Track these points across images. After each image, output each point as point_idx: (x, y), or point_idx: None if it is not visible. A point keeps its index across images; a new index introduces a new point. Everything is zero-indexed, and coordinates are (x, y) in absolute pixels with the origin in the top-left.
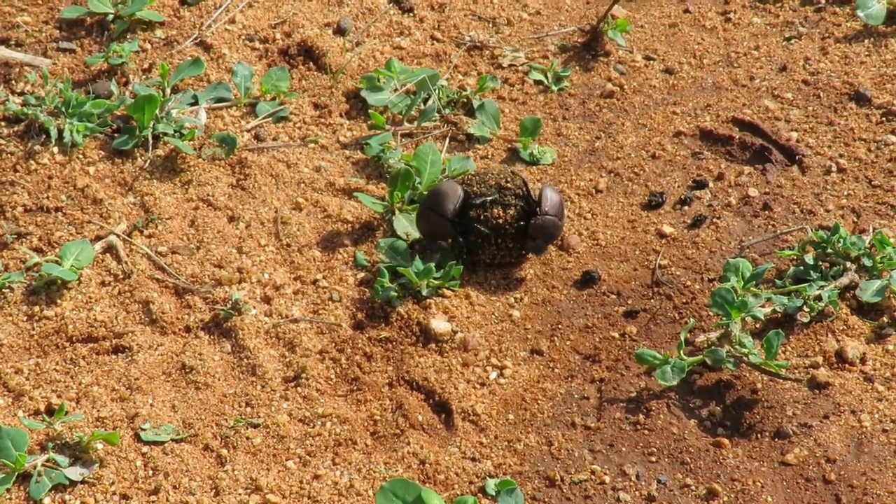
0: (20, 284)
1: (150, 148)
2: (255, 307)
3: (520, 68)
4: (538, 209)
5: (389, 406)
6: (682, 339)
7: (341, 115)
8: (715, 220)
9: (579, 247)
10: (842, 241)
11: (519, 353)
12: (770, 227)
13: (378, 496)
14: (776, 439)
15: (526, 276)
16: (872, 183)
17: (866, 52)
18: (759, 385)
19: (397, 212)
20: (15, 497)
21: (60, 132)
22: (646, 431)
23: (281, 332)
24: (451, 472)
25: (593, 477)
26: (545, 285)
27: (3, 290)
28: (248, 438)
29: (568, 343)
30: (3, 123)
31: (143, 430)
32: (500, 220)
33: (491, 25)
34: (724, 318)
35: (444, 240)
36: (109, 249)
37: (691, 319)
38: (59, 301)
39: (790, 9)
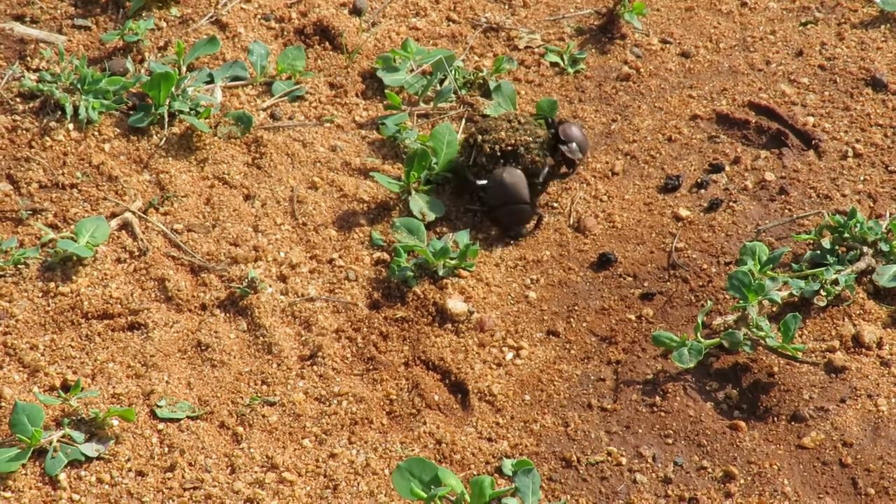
0: (36, 260)
1: (166, 125)
2: (270, 286)
3: (536, 50)
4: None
5: (405, 386)
6: (700, 321)
7: (357, 95)
8: (731, 203)
9: (595, 229)
10: (858, 225)
11: (535, 334)
12: (786, 211)
13: (394, 475)
14: (793, 423)
15: (542, 257)
16: (889, 168)
17: (882, 38)
18: (775, 368)
19: (413, 192)
20: (31, 472)
21: (76, 109)
22: (662, 413)
23: (297, 310)
24: (468, 451)
25: (609, 458)
26: (561, 267)
27: (19, 266)
28: (263, 416)
29: (584, 325)
30: (18, 100)
31: (158, 406)
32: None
33: (507, 7)
34: (741, 301)
35: (527, 223)
36: (125, 226)
37: (708, 302)
38: (74, 277)
39: None
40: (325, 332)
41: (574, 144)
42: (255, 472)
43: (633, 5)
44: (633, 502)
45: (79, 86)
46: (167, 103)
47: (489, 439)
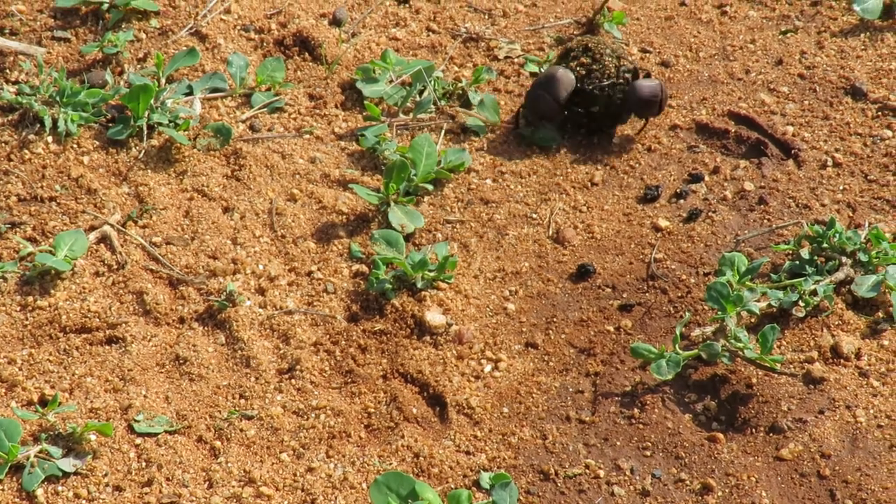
0: (14, 274)
1: (145, 138)
2: (249, 298)
3: (515, 60)
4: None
5: (384, 399)
6: (678, 333)
7: (337, 107)
8: (710, 213)
9: (575, 240)
10: (837, 235)
11: (514, 346)
12: (765, 221)
13: (372, 489)
14: (771, 434)
15: (521, 268)
16: (868, 178)
17: (862, 47)
18: (754, 380)
19: (392, 203)
20: (8, 488)
21: (55, 121)
22: (640, 426)
23: (275, 323)
24: (446, 465)
25: (587, 471)
26: (540, 278)
27: None
28: (241, 430)
29: (563, 336)
30: None
31: (136, 421)
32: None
33: (487, 17)
34: (719, 313)
35: (552, 122)
36: (103, 240)
37: (687, 313)
38: (52, 291)
39: (786, 2)
40: (304, 345)
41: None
42: (233, 487)
43: (612, 15)
44: None
45: (58, 98)
46: (146, 115)
47: (467, 452)
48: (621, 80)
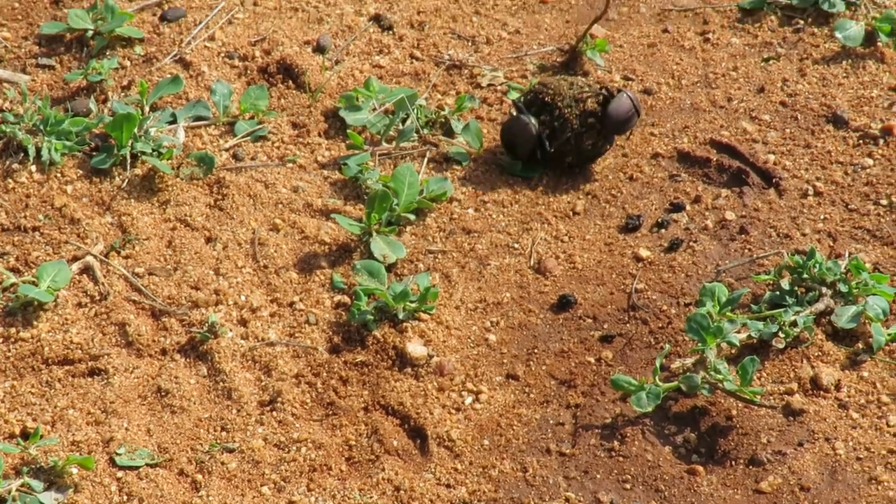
0: None
1: (129, 167)
2: (231, 330)
3: (498, 88)
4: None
5: (365, 431)
6: (658, 364)
7: (320, 135)
8: (692, 243)
9: (556, 270)
10: (818, 266)
11: (495, 377)
12: (746, 251)
13: None
14: (750, 467)
15: (502, 299)
16: (849, 207)
17: (844, 74)
18: (733, 412)
19: (375, 233)
20: None
21: (38, 150)
22: (620, 458)
23: (257, 355)
24: (426, 498)
25: None
26: (521, 309)
27: None
28: (222, 463)
29: (544, 368)
30: None
31: (118, 454)
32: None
33: (470, 44)
34: (699, 344)
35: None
36: (86, 270)
37: (667, 345)
38: (35, 322)
39: (769, 29)
40: (285, 377)
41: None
42: None
43: (595, 42)
44: None
45: (42, 127)
46: (130, 144)
47: (447, 485)
48: (585, 126)
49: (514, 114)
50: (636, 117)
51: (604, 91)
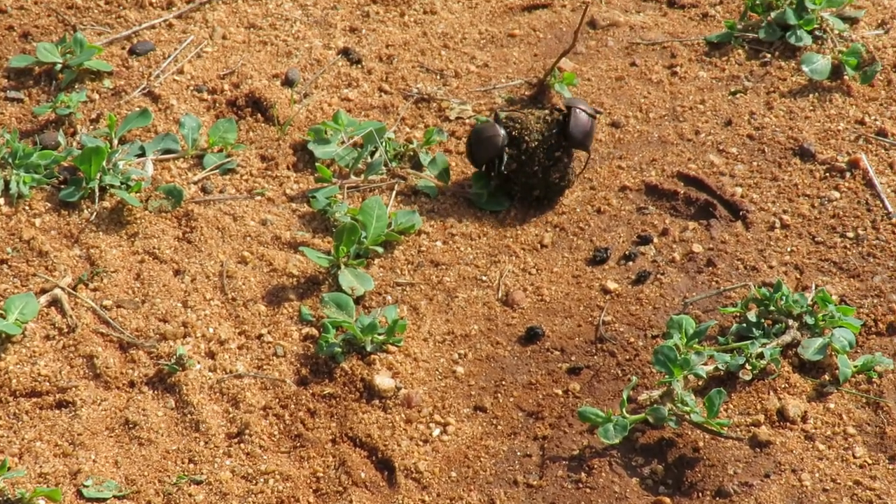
0: None
1: (97, 200)
2: (199, 362)
3: (467, 121)
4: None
5: (332, 463)
6: (625, 396)
7: (288, 168)
8: (659, 276)
9: (524, 302)
10: (784, 298)
11: (462, 409)
12: (714, 283)
13: None
14: (717, 498)
15: (470, 331)
16: (816, 239)
17: (811, 107)
18: (700, 443)
19: (343, 266)
20: None
21: (7, 183)
22: (588, 490)
23: (225, 387)
24: None
25: None
26: (489, 341)
27: None
28: (190, 496)
29: (511, 400)
30: None
31: (85, 486)
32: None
33: (439, 77)
34: (666, 376)
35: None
36: (54, 303)
37: (633, 377)
38: (2, 355)
39: (736, 63)
40: (253, 409)
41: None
42: None
43: (563, 75)
44: None
45: (10, 160)
46: (98, 177)
47: None
48: (553, 160)
49: (491, 120)
50: (595, 120)
51: (556, 115)
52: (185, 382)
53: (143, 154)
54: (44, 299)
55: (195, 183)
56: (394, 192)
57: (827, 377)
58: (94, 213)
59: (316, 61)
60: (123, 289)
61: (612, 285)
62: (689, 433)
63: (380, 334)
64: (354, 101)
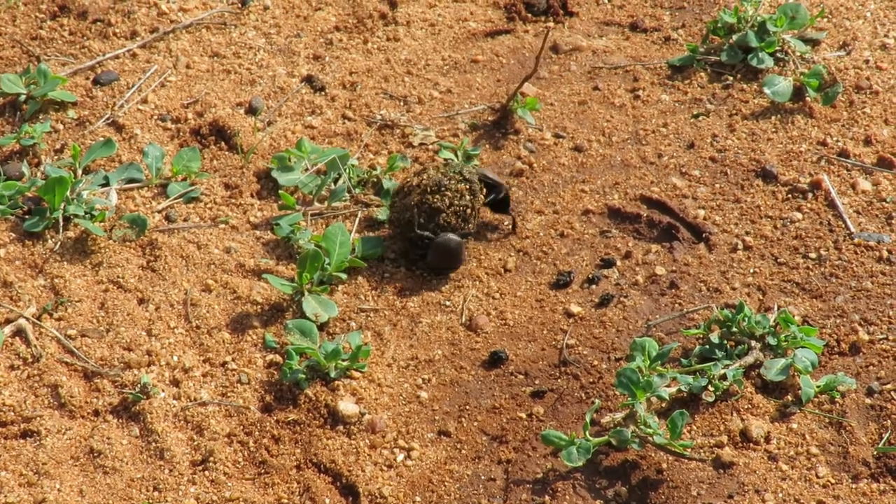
0: None
1: (61, 230)
2: (163, 390)
3: (430, 147)
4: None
5: (297, 489)
6: (588, 419)
7: (252, 196)
8: (622, 298)
9: (487, 327)
10: (746, 319)
11: (426, 434)
12: (677, 305)
13: None
14: None
15: (434, 356)
16: (778, 260)
17: (773, 129)
18: (664, 465)
19: (306, 293)
20: None
21: None
22: None
23: (189, 415)
24: None
25: None
26: (453, 366)
27: None
28: None
29: (475, 424)
30: None
31: None
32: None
33: (402, 104)
34: (629, 399)
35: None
36: (19, 333)
37: (597, 400)
38: None
39: (698, 85)
40: (217, 437)
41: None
42: None
43: (526, 100)
44: None
45: None
46: (62, 207)
47: None
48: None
49: (440, 238)
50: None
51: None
52: (150, 410)
53: (107, 184)
54: (8, 329)
55: (159, 212)
56: (357, 219)
57: (790, 398)
58: (59, 243)
59: (279, 89)
60: (88, 318)
61: (575, 309)
62: (653, 455)
63: (343, 360)
64: (318, 128)
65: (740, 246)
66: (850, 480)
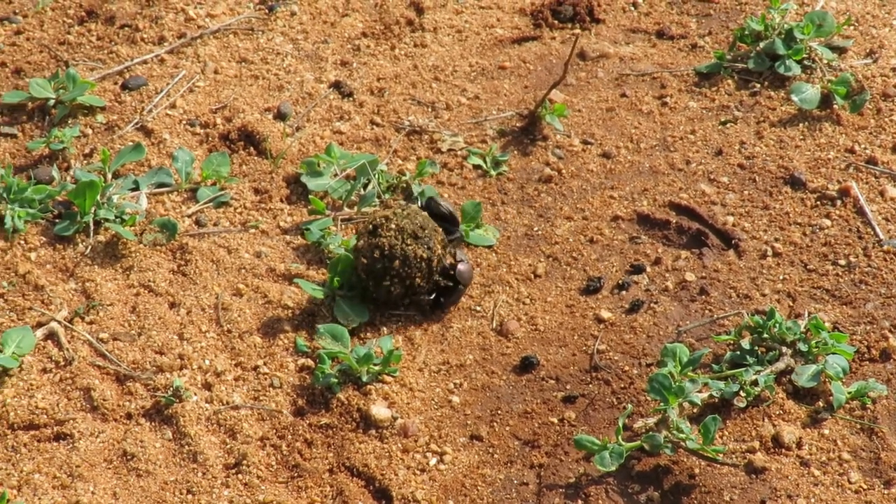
0: None
1: (92, 234)
2: (195, 394)
3: (459, 153)
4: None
5: (330, 493)
6: (621, 424)
7: (282, 201)
8: (652, 304)
9: (518, 332)
10: (777, 325)
11: (458, 438)
12: (707, 311)
13: None
14: None
15: (465, 361)
16: (808, 267)
17: (801, 137)
18: (696, 470)
19: (337, 297)
20: None
21: (2, 218)
22: None
23: (222, 418)
24: None
25: None
26: (484, 371)
27: None
28: None
29: (507, 428)
30: None
31: None
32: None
33: (430, 110)
34: (661, 404)
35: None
36: (51, 336)
37: (629, 405)
38: (0, 388)
39: (726, 93)
40: (250, 440)
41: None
42: None
43: (554, 107)
44: None
45: (5, 195)
46: (93, 211)
47: None
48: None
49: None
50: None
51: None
52: (182, 414)
53: (136, 188)
54: (40, 333)
55: (189, 216)
56: None
57: (821, 403)
58: (89, 247)
59: (307, 95)
60: (119, 322)
61: (605, 314)
62: (685, 460)
63: (375, 365)
64: (346, 133)
65: (770, 252)
66: (882, 486)
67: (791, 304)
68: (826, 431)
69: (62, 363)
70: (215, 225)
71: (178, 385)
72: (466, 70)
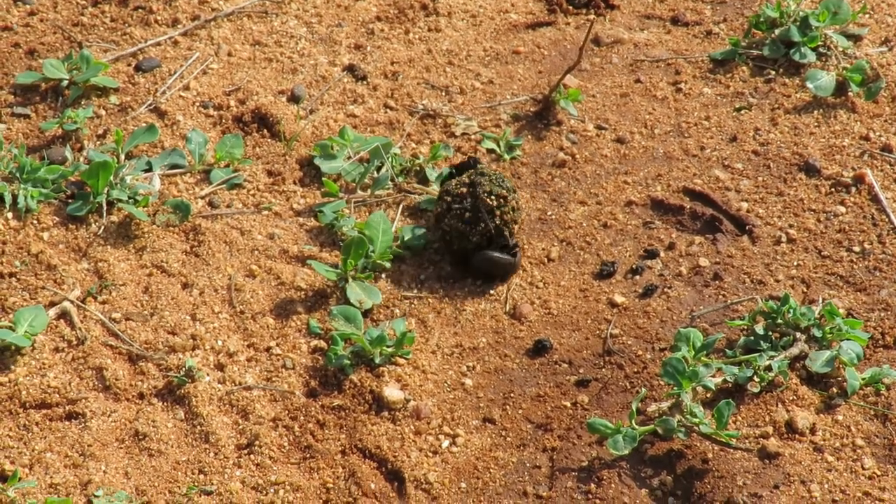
0: None
1: (105, 214)
2: (208, 374)
3: (472, 137)
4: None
5: (342, 474)
6: (634, 408)
7: (295, 183)
8: (666, 289)
9: (531, 315)
10: (791, 311)
11: (471, 421)
12: (720, 297)
13: None
14: None
15: (478, 344)
16: (822, 253)
17: (816, 124)
18: (709, 455)
19: (350, 279)
20: None
21: (15, 198)
22: (597, 501)
23: (234, 399)
24: None
25: None
26: (497, 354)
27: None
28: None
29: (520, 412)
30: None
31: (96, 496)
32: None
33: (444, 94)
34: (675, 388)
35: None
36: (63, 315)
37: (642, 389)
38: (12, 367)
39: (740, 79)
40: (263, 421)
41: None
42: None
43: (568, 92)
44: None
45: (18, 174)
46: (106, 192)
47: None
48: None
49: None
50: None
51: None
52: (195, 394)
53: (150, 169)
54: (53, 312)
55: (202, 197)
56: (400, 207)
57: (835, 389)
58: (102, 227)
59: (321, 78)
60: (132, 302)
61: (619, 299)
62: (698, 445)
63: (388, 346)
64: (360, 117)
65: (784, 239)
66: None
67: (805, 290)
68: (840, 417)
69: (74, 342)
70: (228, 206)
71: (191, 365)
72: (480, 54)
